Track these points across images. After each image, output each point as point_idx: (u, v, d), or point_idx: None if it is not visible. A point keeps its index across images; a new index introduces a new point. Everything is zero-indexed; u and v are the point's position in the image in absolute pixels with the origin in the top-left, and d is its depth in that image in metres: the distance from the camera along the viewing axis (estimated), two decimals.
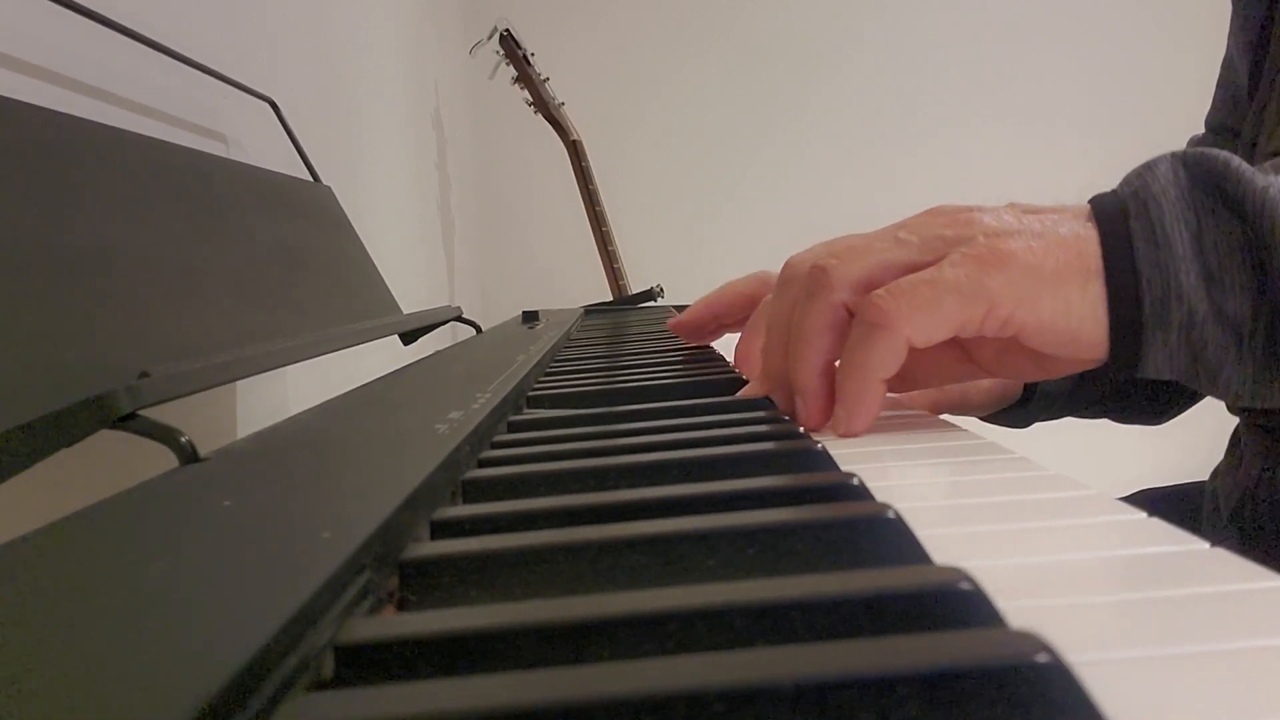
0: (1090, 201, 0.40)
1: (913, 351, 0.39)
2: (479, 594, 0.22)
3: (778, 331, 0.44)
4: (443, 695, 0.15)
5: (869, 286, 0.40)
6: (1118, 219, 0.38)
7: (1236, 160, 0.38)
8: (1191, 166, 0.39)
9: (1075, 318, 0.38)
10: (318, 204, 0.81)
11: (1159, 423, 0.76)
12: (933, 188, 2.28)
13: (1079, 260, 0.38)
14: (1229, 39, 0.70)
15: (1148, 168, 0.40)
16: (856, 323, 0.40)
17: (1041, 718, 0.14)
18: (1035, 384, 0.68)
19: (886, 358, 0.39)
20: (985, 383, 0.68)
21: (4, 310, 0.35)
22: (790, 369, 0.42)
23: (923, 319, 0.38)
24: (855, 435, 0.40)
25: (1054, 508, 0.27)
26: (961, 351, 0.44)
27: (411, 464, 0.29)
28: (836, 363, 0.42)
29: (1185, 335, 0.38)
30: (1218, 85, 0.73)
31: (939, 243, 0.39)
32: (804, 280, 0.42)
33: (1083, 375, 0.68)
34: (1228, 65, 0.71)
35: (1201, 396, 0.69)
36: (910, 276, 0.39)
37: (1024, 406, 0.70)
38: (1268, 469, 0.61)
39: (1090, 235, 0.39)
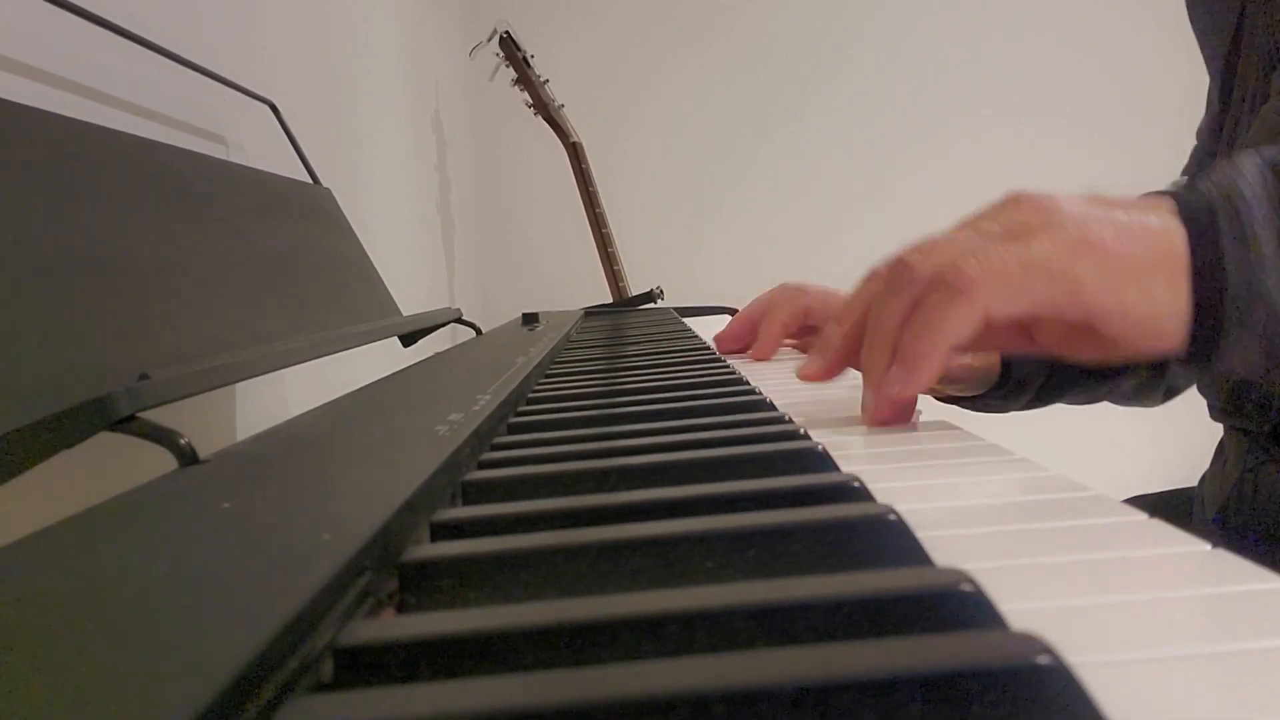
0: (1174, 197, 0.41)
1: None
2: (479, 596, 0.22)
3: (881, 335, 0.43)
4: (443, 698, 0.15)
5: None
6: (1206, 217, 0.39)
7: None
8: (1276, 167, 0.39)
9: (1158, 310, 0.39)
10: (318, 206, 0.81)
11: (1156, 404, 0.75)
12: (933, 187, 2.29)
13: (1166, 254, 0.39)
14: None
15: (1235, 167, 0.40)
16: (936, 285, 0.39)
17: (1043, 719, 0.14)
18: (1010, 364, 0.68)
19: (961, 325, 0.38)
20: (968, 358, 0.68)
21: (4, 312, 0.35)
22: (866, 363, 0.42)
23: (1007, 293, 0.38)
24: (909, 396, 0.40)
25: (1056, 509, 0.27)
26: (1024, 329, 0.44)
27: (411, 466, 0.28)
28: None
29: (1266, 337, 0.38)
30: (1208, 96, 0.73)
31: (1023, 229, 0.39)
32: (886, 276, 0.41)
33: (1056, 363, 0.68)
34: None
35: (1190, 384, 0.70)
36: (1000, 250, 0.38)
37: (1001, 389, 0.70)
38: (1249, 470, 0.61)
39: (1177, 230, 0.39)
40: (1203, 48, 0.69)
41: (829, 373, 0.46)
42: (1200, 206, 0.40)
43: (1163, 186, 0.80)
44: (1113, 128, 2.27)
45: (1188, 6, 0.69)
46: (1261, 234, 0.38)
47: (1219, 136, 0.68)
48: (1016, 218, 0.40)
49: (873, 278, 0.44)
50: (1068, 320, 0.39)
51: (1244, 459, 0.62)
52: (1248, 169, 0.40)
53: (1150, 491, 0.80)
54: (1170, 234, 0.39)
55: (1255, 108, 0.60)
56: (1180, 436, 0.82)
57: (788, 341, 0.77)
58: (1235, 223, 0.39)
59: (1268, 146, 0.41)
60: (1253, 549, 0.62)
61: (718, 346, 0.76)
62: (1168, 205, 0.40)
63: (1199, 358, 0.40)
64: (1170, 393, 0.74)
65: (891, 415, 0.42)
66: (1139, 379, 0.73)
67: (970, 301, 0.38)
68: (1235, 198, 0.39)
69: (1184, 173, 0.78)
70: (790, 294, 0.73)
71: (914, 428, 0.42)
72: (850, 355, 0.45)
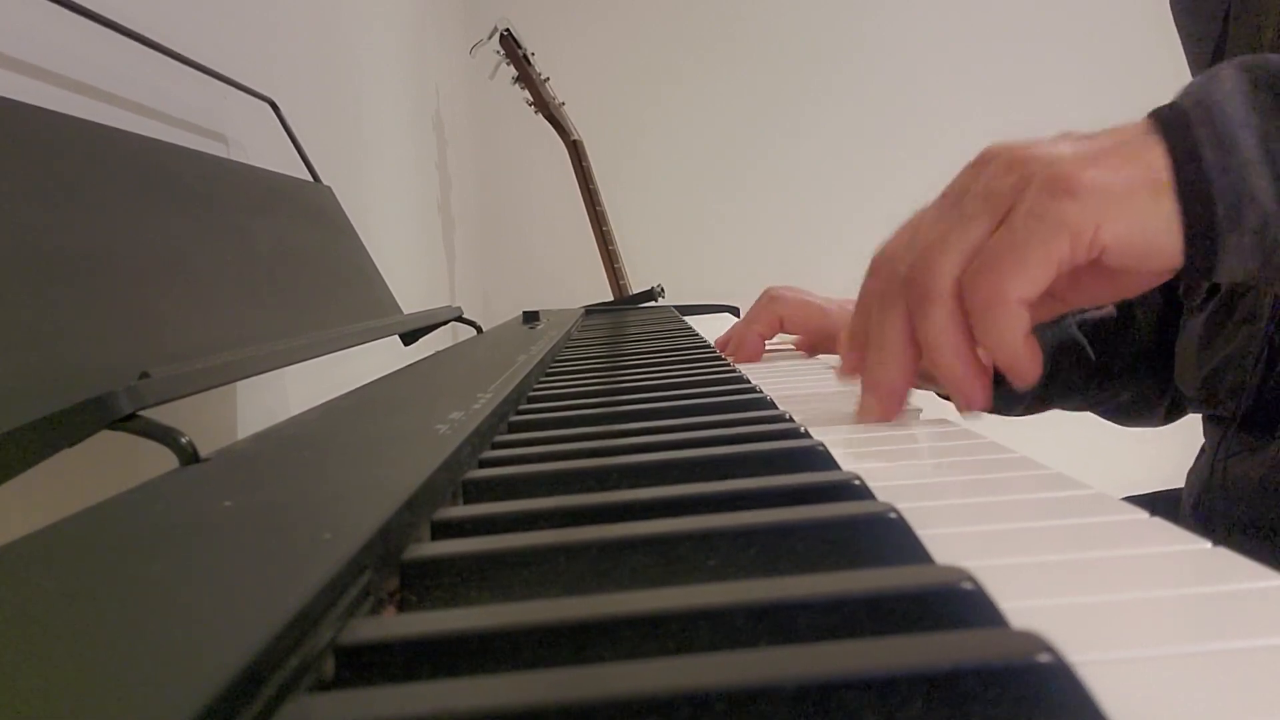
0: (1150, 114, 0.40)
1: None
2: (480, 594, 0.22)
3: (891, 347, 0.43)
4: (444, 696, 0.15)
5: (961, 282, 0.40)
6: (1182, 127, 0.39)
7: None
8: (1253, 70, 0.39)
9: (1151, 229, 0.38)
10: (318, 204, 0.81)
11: (1157, 423, 0.76)
12: (934, 184, 2.28)
13: (1146, 172, 0.38)
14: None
15: (1209, 77, 0.40)
16: (971, 309, 0.39)
17: (1044, 717, 0.14)
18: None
19: (1016, 323, 0.39)
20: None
21: (5, 310, 0.35)
22: (943, 375, 0.42)
23: (1021, 279, 0.38)
24: (1030, 383, 0.40)
25: (1056, 507, 0.27)
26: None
27: (412, 464, 0.28)
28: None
29: (1259, 237, 0.38)
30: None
31: (1002, 198, 0.39)
32: (905, 296, 0.42)
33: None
34: None
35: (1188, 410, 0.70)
36: (991, 247, 0.39)
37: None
38: (1219, 460, 0.61)
39: (1155, 145, 0.39)
40: (1187, 53, 0.69)
41: (890, 413, 0.45)
42: (1175, 118, 0.39)
43: None
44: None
45: (1173, 14, 0.69)
46: (1241, 136, 0.38)
47: None
48: (992, 186, 0.40)
49: (887, 295, 0.44)
50: (1077, 265, 0.39)
51: (1216, 449, 0.62)
52: (1223, 75, 0.40)
53: (1143, 492, 0.80)
54: (1147, 150, 0.39)
55: None
56: (1173, 438, 0.82)
57: (789, 344, 0.78)
58: (1211, 129, 0.38)
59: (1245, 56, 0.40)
60: (1226, 536, 0.62)
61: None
62: (1143, 124, 0.40)
63: (1199, 270, 0.39)
64: (1173, 411, 0.74)
65: (892, 412, 0.43)
66: (1138, 389, 0.73)
67: (1005, 306, 0.38)
68: (1209, 104, 0.39)
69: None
70: (765, 304, 0.76)
71: (914, 426, 0.42)
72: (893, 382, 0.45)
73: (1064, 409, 0.76)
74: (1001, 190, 0.39)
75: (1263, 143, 0.38)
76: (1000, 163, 0.40)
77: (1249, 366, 0.58)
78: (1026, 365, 0.40)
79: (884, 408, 0.43)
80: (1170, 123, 0.39)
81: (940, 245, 0.40)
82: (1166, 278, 0.41)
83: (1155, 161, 0.39)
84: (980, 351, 0.41)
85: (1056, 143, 0.40)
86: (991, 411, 0.73)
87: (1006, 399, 0.71)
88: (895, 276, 0.42)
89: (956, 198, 0.41)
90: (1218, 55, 0.65)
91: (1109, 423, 0.80)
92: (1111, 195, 0.38)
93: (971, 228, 0.40)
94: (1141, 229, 0.38)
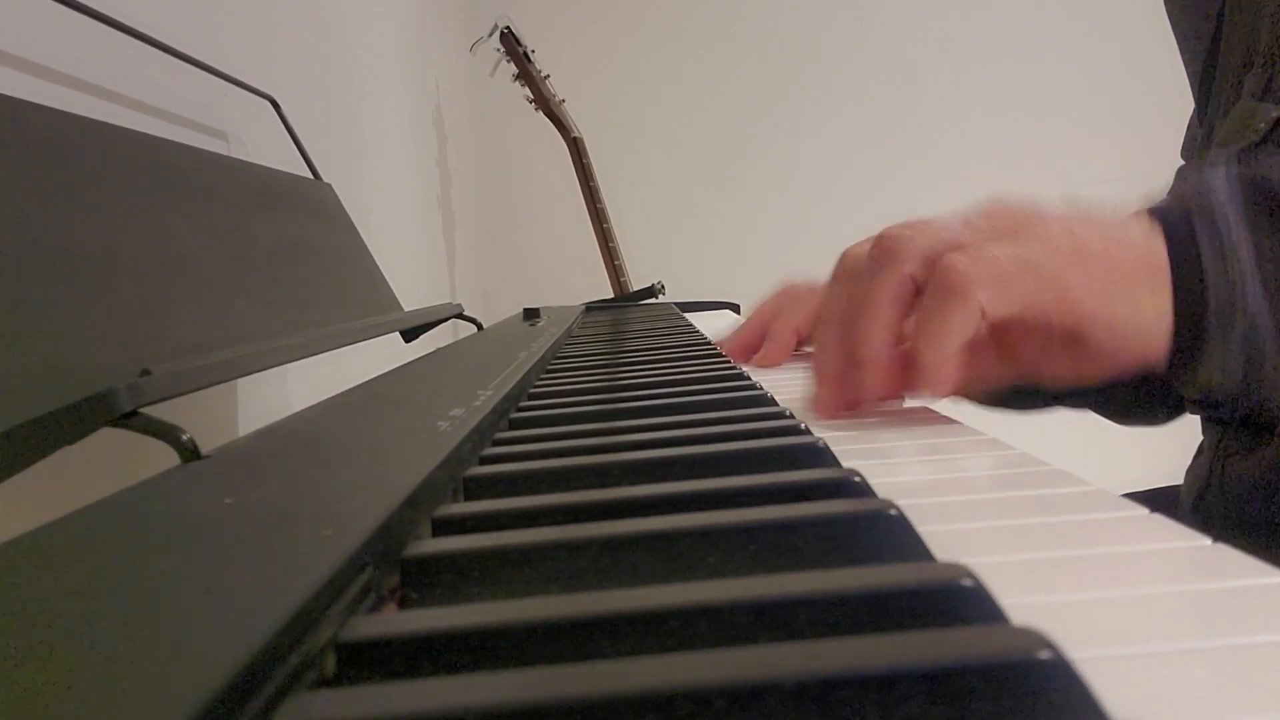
0: (1150, 209, 0.41)
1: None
2: (481, 591, 0.22)
3: (834, 323, 0.43)
4: (445, 693, 0.15)
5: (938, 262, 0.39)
6: (1185, 229, 0.40)
7: None
8: (1247, 181, 0.40)
9: (1143, 320, 0.39)
10: (319, 201, 0.81)
11: (1161, 421, 0.76)
12: (935, 186, 2.28)
13: (1148, 263, 0.39)
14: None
15: (1205, 177, 0.41)
16: (931, 289, 0.39)
17: (1044, 714, 0.14)
18: None
19: (964, 324, 0.38)
20: None
21: (5, 308, 0.35)
22: (856, 341, 0.41)
23: (999, 290, 0.38)
24: (941, 399, 0.41)
25: (1056, 503, 0.27)
26: (1001, 351, 0.44)
27: (413, 461, 0.28)
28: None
29: (1244, 345, 0.39)
30: (1189, 124, 0.73)
31: (1012, 231, 0.40)
32: (872, 254, 0.41)
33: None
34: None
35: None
36: (991, 246, 0.38)
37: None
38: (1219, 459, 0.62)
39: (1159, 242, 0.40)
40: (1182, 52, 0.69)
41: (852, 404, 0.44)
42: (1178, 219, 0.40)
43: (1153, 199, 0.80)
44: (1114, 128, 2.27)
45: (1168, 12, 0.69)
46: (1240, 246, 0.39)
47: (1195, 145, 0.68)
48: (1004, 221, 0.40)
49: (850, 271, 0.43)
50: (1053, 326, 0.40)
51: (1215, 449, 0.62)
52: (1217, 181, 0.40)
53: (1142, 489, 0.80)
54: (1153, 245, 0.40)
55: (1229, 112, 0.60)
56: (1172, 436, 0.82)
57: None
58: (1214, 235, 0.39)
59: (1233, 156, 0.41)
60: (1226, 535, 0.63)
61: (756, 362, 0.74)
62: (1146, 217, 0.41)
63: (1179, 370, 0.40)
64: (1174, 411, 0.74)
65: (849, 409, 0.43)
66: (1140, 390, 0.73)
67: (966, 302, 0.38)
68: (1210, 207, 0.40)
69: (1170, 193, 0.79)
70: (803, 295, 0.71)
71: (914, 423, 0.42)
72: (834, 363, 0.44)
73: (1069, 408, 0.75)
74: (1016, 226, 0.40)
75: (1255, 255, 0.39)
76: (1016, 210, 0.41)
77: None
78: (945, 376, 0.39)
79: (880, 380, 0.42)
80: (1173, 220, 0.40)
81: (932, 227, 0.41)
82: (1131, 371, 0.41)
83: (1157, 253, 0.39)
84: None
85: (1071, 211, 0.41)
86: (1002, 408, 0.73)
87: (1020, 398, 0.70)
88: (901, 248, 0.41)
89: (962, 216, 0.42)
90: (1212, 52, 0.64)
91: (1101, 421, 0.79)
92: (1116, 275, 0.39)
93: (968, 234, 0.40)
94: (1134, 314, 0.39)
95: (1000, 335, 0.43)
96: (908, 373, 0.41)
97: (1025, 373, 0.45)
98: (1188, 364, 0.40)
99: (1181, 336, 0.39)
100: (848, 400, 0.43)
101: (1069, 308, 0.38)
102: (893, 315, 0.41)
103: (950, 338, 0.38)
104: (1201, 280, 0.39)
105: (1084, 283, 0.38)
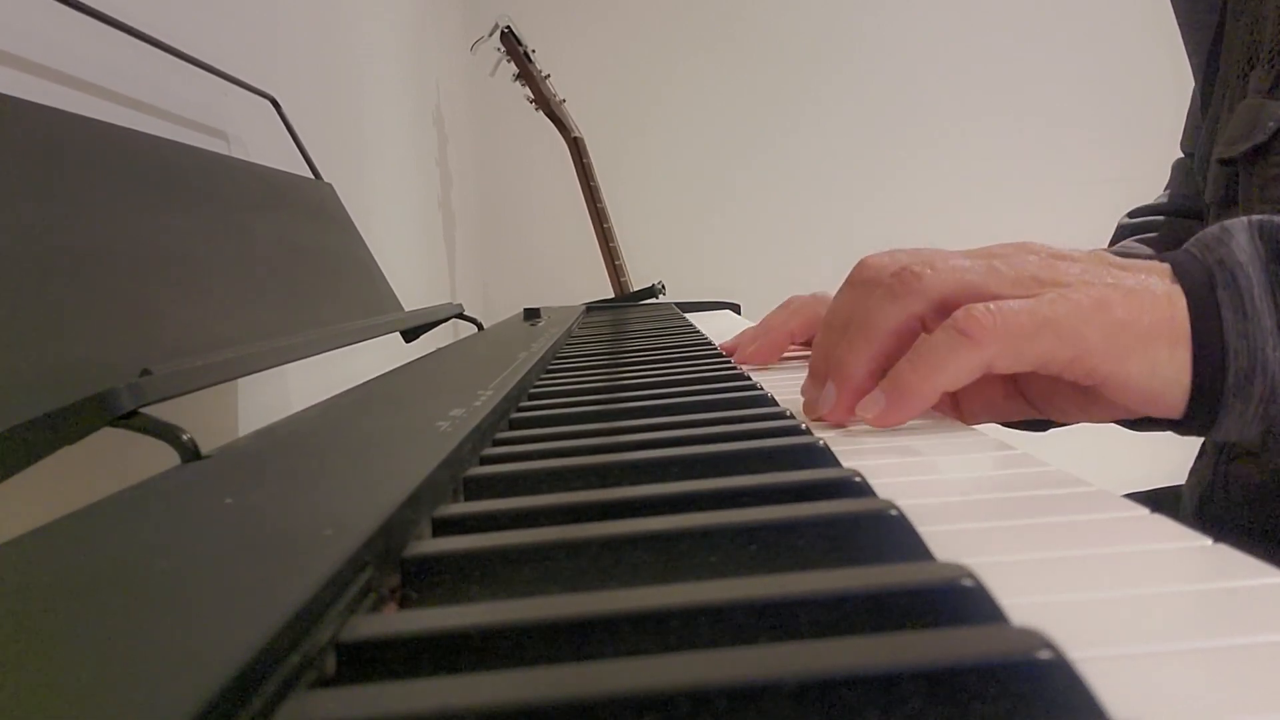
0: (1171, 263, 0.41)
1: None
2: (481, 591, 0.22)
3: (834, 330, 0.43)
4: (445, 693, 0.15)
5: (951, 306, 0.39)
6: (1205, 286, 0.39)
7: None
8: (1269, 240, 0.40)
9: (1160, 378, 0.39)
10: (319, 201, 0.81)
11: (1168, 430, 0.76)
12: (935, 185, 2.29)
13: (1169, 322, 0.39)
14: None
15: (1226, 233, 0.40)
16: (945, 328, 0.39)
17: (1044, 714, 0.14)
18: None
19: (961, 370, 0.38)
20: None
21: (5, 308, 0.35)
22: (841, 356, 0.41)
23: (1013, 346, 0.38)
24: (885, 426, 0.40)
25: (1057, 504, 0.27)
26: (1013, 387, 0.44)
27: (413, 461, 0.28)
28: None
29: (1264, 408, 0.38)
30: (1190, 105, 0.73)
31: (1032, 282, 0.39)
32: (889, 281, 0.41)
33: None
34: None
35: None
36: (1012, 302, 0.38)
37: None
38: (1222, 463, 0.62)
39: (1179, 297, 0.39)
40: (1186, 43, 0.69)
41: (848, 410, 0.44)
42: (1199, 275, 0.40)
43: (1152, 199, 0.79)
44: (1115, 129, 2.27)
45: (1172, 5, 0.69)
46: (1261, 305, 0.38)
47: (1200, 139, 0.68)
48: (1026, 268, 0.40)
49: (868, 284, 0.43)
50: (1065, 380, 0.40)
51: (1218, 452, 0.62)
52: (1239, 234, 0.40)
53: (1144, 489, 0.80)
54: (1173, 301, 0.39)
55: (1234, 107, 0.60)
56: (1174, 437, 0.82)
57: (795, 348, 0.77)
58: (1235, 293, 0.39)
59: (1257, 216, 0.41)
60: (1229, 539, 0.63)
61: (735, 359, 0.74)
62: (1167, 270, 0.40)
63: (1195, 426, 0.40)
64: None
65: (895, 422, 0.42)
66: None
67: (977, 349, 0.38)
68: (1232, 265, 0.39)
69: (1166, 187, 0.78)
70: (809, 304, 0.71)
71: (915, 425, 0.42)
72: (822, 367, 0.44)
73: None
74: (1036, 276, 0.39)
75: (1276, 314, 0.38)
76: (1040, 257, 0.40)
77: None
78: (910, 406, 0.39)
79: (847, 401, 0.42)
80: (1193, 277, 0.40)
81: (953, 268, 0.40)
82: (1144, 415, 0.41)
83: (1178, 312, 0.39)
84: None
85: (1093, 262, 0.40)
86: (1006, 427, 0.73)
87: (1026, 423, 0.70)
88: (919, 283, 0.41)
89: (985, 255, 0.41)
90: (1216, 46, 0.64)
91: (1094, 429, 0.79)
92: (1134, 334, 0.38)
93: (989, 279, 0.40)
94: (1150, 375, 0.39)
95: (1011, 377, 0.43)
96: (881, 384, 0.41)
97: (1033, 411, 0.45)
98: (1205, 422, 0.39)
99: (1200, 396, 0.39)
100: (817, 411, 0.43)
101: (1085, 365, 0.38)
102: (886, 347, 0.41)
103: (943, 373, 0.38)
104: (1222, 341, 0.38)
105: (1101, 343, 0.38)
